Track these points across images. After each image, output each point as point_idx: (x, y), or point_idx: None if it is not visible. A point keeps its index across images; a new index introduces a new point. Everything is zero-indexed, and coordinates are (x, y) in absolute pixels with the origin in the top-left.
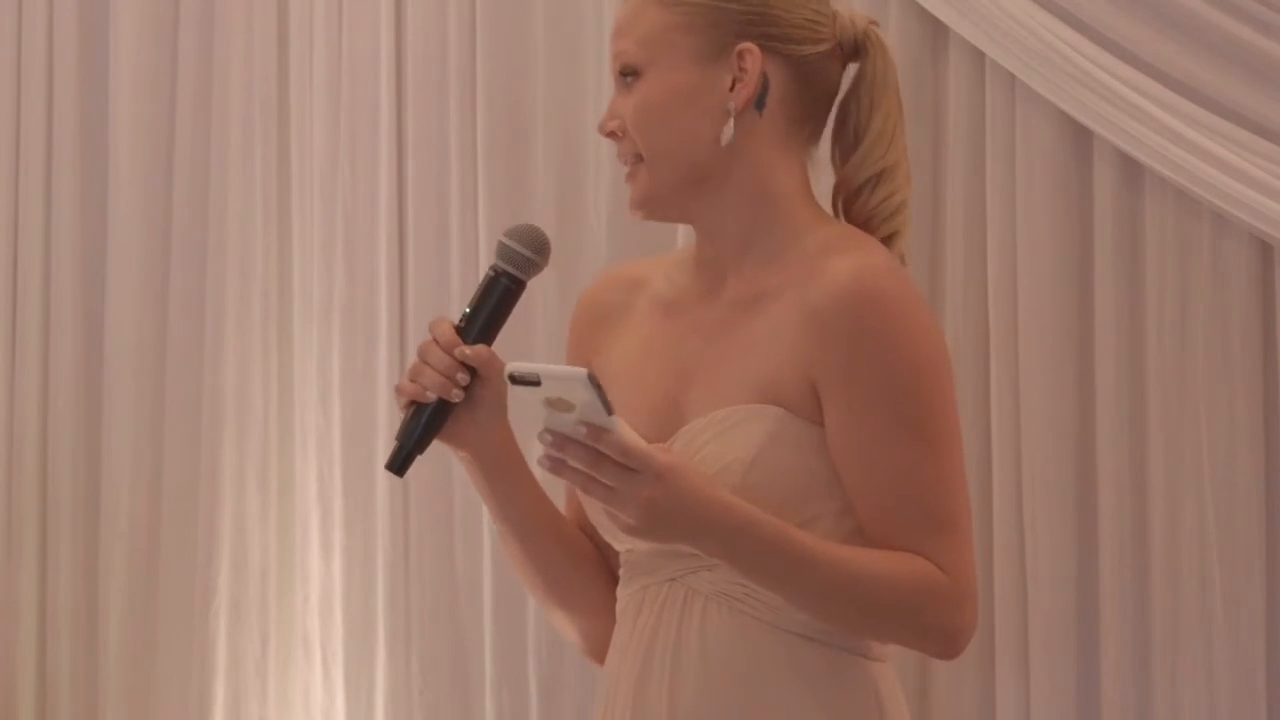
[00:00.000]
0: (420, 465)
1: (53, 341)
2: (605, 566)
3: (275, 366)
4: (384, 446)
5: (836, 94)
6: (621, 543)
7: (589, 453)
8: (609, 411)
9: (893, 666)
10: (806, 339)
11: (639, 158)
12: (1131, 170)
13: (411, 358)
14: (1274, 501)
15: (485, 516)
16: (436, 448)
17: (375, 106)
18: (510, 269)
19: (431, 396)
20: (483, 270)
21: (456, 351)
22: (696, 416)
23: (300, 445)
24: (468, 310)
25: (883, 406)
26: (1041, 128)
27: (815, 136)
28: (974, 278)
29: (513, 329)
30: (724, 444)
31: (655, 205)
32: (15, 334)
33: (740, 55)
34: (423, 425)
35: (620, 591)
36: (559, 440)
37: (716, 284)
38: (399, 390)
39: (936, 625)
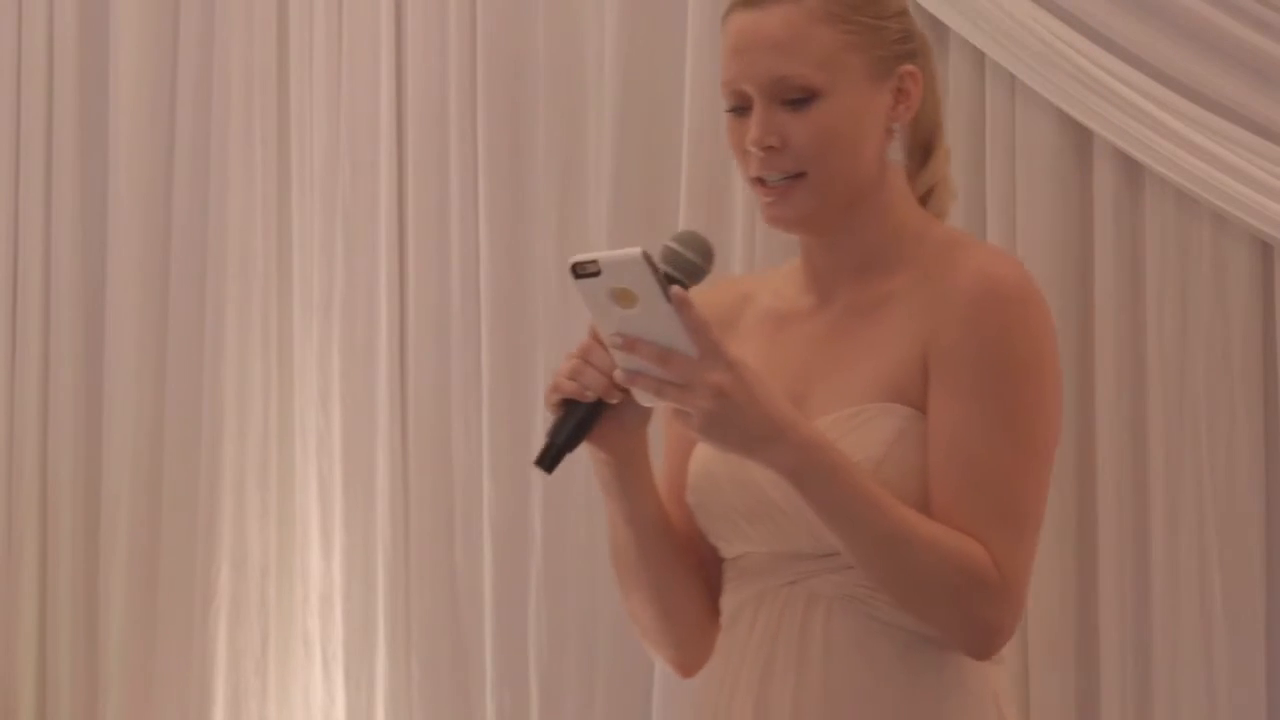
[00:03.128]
0: (421, 465)
1: (53, 341)
2: (709, 578)
3: (275, 366)
4: (384, 446)
5: None
6: (733, 546)
7: (656, 349)
8: (665, 291)
9: (1007, 670)
10: (927, 323)
11: (798, 175)
12: (1131, 170)
13: (413, 357)
14: (1274, 502)
15: (485, 517)
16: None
17: (375, 106)
18: (676, 274)
19: (591, 396)
20: (484, 270)
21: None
22: (821, 416)
23: (300, 445)
24: None
25: (983, 392)
26: (1041, 128)
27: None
28: None
29: (516, 329)
30: (853, 442)
31: (813, 223)
32: (15, 334)
33: (902, 77)
34: (576, 424)
35: (729, 598)
36: (628, 341)
37: (828, 293)
38: (555, 388)
39: (973, 614)
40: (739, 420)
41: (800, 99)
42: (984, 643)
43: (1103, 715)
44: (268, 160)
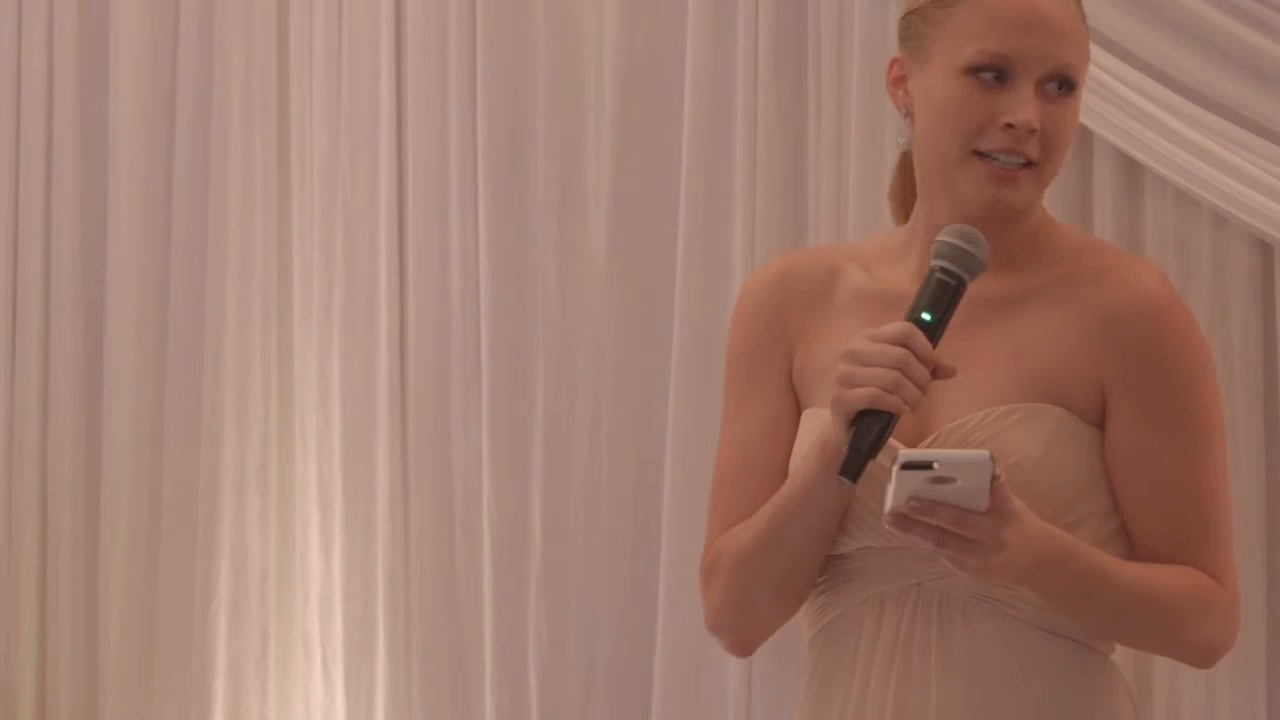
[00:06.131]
0: (421, 465)
1: (53, 341)
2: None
3: (275, 366)
4: (384, 448)
5: None
6: (849, 540)
7: (954, 513)
8: (991, 486)
9: None
10: (1103, 343)
11: (1029, 164)
12: (1131, 170)
13: (412, 358)
14: (1274, 501)
15: (485, 517)
16: None
17: (375, 106)
18: (964, 274)
19: (907, 410)
20: (484, 270)
21: (933, 367)
22: (957, 413)
23: (300, 446)
24: (927, 318)
25: (1176, 416)
26: None
27: None
28: None
29: (515, 329)
30: (1009, 440)
31: (1023, 214)
32: (15, 334)
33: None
34: (880, 432)
35: (838, 597)
36: (928, 506)
37: None
38: (874, 399)
39: (1210, 639)
40: (1012, 563)
41: (1066, 90)
42: (1216, 657)
43: None
44: (268, 161)
